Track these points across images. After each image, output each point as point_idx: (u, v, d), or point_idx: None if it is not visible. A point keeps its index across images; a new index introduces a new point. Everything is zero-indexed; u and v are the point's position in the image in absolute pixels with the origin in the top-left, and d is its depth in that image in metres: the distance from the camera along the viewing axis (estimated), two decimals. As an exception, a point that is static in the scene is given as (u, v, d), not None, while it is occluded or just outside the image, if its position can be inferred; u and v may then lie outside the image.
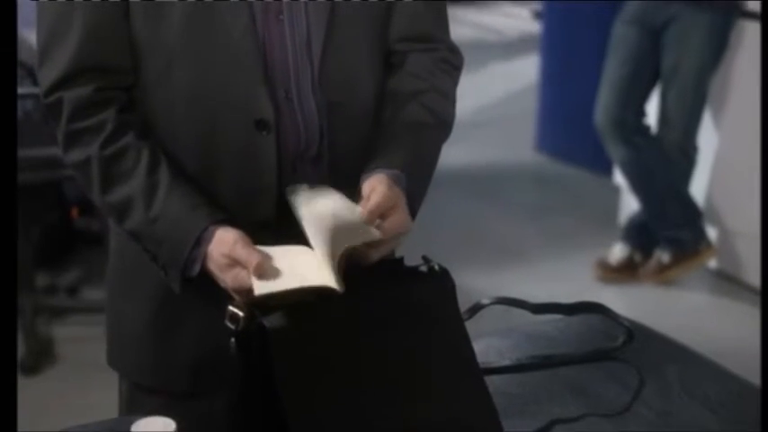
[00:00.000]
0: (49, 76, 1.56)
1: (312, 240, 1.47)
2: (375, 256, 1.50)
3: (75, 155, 1.57)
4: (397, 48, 1.71)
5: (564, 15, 5.58)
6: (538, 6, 7.70)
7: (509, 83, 7.15)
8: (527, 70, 7.09)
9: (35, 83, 2.54)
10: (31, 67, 3.27)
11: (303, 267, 1.45)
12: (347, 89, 1.65)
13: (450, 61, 1.76)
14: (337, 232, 1.45)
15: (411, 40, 1.71)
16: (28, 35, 3.33)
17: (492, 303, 1.85)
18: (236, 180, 1.61)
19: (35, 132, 3.19)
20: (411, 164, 1.61)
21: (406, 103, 1.68)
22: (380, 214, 1.49)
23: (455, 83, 1.77)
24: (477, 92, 6.77)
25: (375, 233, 1.47)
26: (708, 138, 4.14)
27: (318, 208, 1.52)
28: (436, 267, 1.52)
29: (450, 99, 1.75)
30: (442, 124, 1.72)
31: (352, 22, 1.62)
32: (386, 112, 1.68)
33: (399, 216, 1.52)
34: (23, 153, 2.58)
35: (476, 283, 3.72)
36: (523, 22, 8.48)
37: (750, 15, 4.01)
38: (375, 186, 1.52)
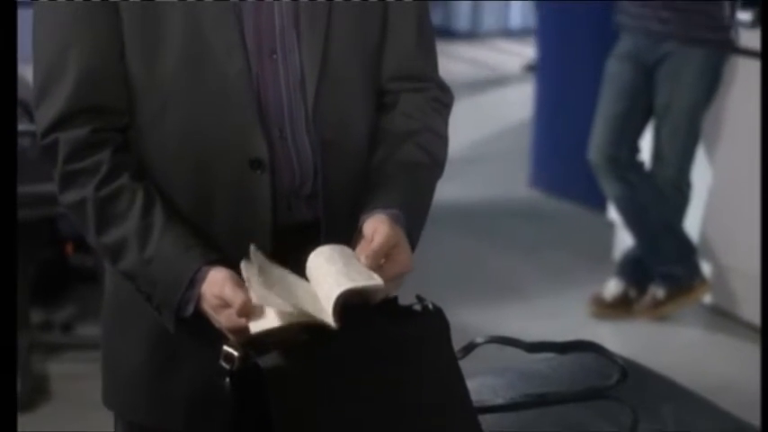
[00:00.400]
0: (45, 117, 1.57)
1: (314, 282, 1.48)
2: (379, 295, 1.50)
3: (71, 196, 1.58)
4: (389, 87, 1.73)
5: (558, 51, 5.62)
6: (531, 53, 7.75)
7: (503, 118, 7.17)
8: (521, 106, 7.13)
9: (32, 120, 2.55)
10: (27, 104, 3.28)
11: (297, 302, 1.45)
12: (341, 127, 1.66)
13: (441, 100, 1.78)
14: (340, 275, 1.45)
15: (403, 79, 1.73)
16: (25, 72, 3.35)
17: (486, 342, 1.85)
18: (231, 218, 1.62)
19: (30, 169, 3.19)
20: (409, 204, 1.62)
21: (402, 143, 1.69)
22: (384, 254, 1.50)
23: (446, 121, 1.78)
24: (471, 127, 6.79)
25: (378, 280, 1.47)
26: (701, 173, 4.16)
27: (322, 255, 1.52)
28: (430, 306, 1.52)
29: (443, 138, 1.76)
30: (436, 164, 1.73)
31: (346, 61, 1.64)
32: (380, 152, 1.69)
33: (402, 255, 1.53)
34: (19, 190, 2.58)
35: (470, 319, 3.73)
36: (519, 58, 8.52)
37: (743, 51, 4.04)
38: (377, 227, 1.53)
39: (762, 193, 3.67)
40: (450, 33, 9.34)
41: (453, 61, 8.30)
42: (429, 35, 1.76)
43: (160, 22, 1.54)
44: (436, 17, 10.04)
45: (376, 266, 1.49)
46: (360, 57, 1.66)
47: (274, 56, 1.59)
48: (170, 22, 1.54)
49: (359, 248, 1.52)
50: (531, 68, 7.41)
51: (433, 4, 10.00)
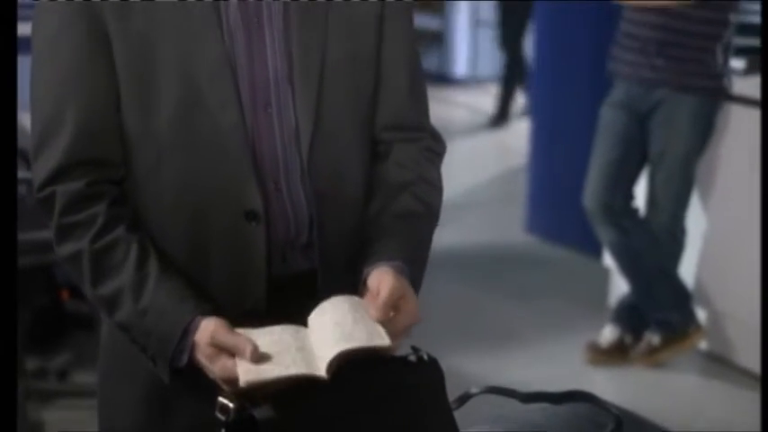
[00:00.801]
0: (42, 170, 1.58)
1: (315, 338, 1.48)
2: (386, 352, 1.50)
3: (67, 248, 1.59)
4: (382, 137, 1.74)
5: (553, 98, 5.65)
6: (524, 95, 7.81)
7: (499, 163, 7.20)
8: (517, 151, 7.16)
9: (29, 168, 2.56)
10: (25, 152, 3.29)
11: (291, 353, 1.45)
12: (336, 178, 1.67)
13: (434, 149, 1.79)
14: (347, 328, 1.46)
15: (396, 129, 1.74)
16: (24, 120, 3.36)
17: (481, 393, 1.85)
18: (226, 270, 1.63)
19: (27, 217, 3.21)
20: (410, 255, 1.63)
21: (397, 194, 1.70)
22: (392, 306, 1.51)
23: (439, 171, 1.80)
24: (467, 172, 6.82)
25: (385, 339, 1.46)
26: (696, 220, 4.17)
27: (329, 310, 1.52)
28: (425, 357, 1.53)
29: (438, 188, 1.77)
30: (431, 213, 1.74)
31: (340, 112, 1.65)
32: (377, 203, 1.70)
33: (410, 306, 1.54)
34: (15, 237, 2.59)
35: (466, 366, 3.73)
36: (516, 104, 8.56)
37: (735, 99, 4.07)
38: (382, 279, 1.54)
39: (762, 238, 3.69)
40: (446, 79, 9.39)
41: (450, 107, 8.33)
42: (421, 85, 1.78)
43: (156, 75, 1.55)
44: (433, 63, 10.10)
45: (385, 319, 1.49)
46: (354, 108, 1.67)
47: (269, 109, 1.61)
48: (165, 76, 1.55)
49: (366, 300, 1.53)
50: (527, 112, 7.47)
51: (430, 49, 10.07)
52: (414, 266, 1.63)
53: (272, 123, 1.61)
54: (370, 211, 1.70)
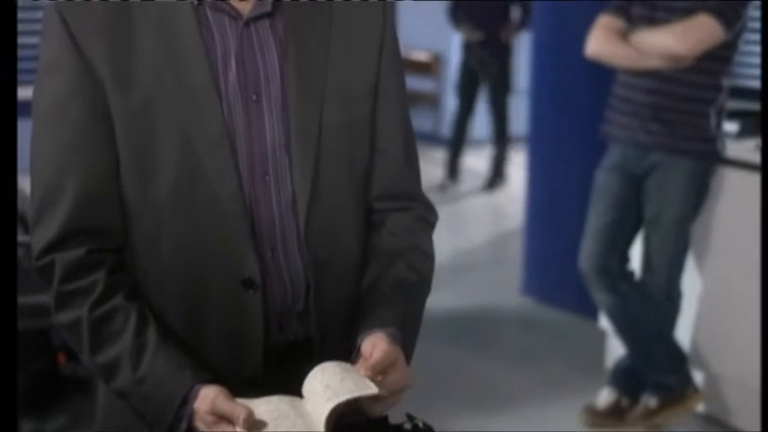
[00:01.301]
0: (42, 239, 1.59)
1: (309, 403, 1.49)
2: (377, 410, 1.52)
3: (66, 316, 1.60)
4: (377, 206, 1.76)
5: (548, 161, 5.68)
6: (523, 160, 7.84)
7: (494, 226, 7.22)
8: (512, 213, 7.18)
9: (26, 231, 2.57)
10: (23, 215, 3.31)
11: (290, 418, 1.46)
12: (332, 246, 1.69)
13: (426, 218, 1.82)
14: (333, 391, 1.47)
15: (390, 198, 1.77)
16: (23, 184, 3.38)
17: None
18: (223, 337, 1.64)
19: (24, 280, 3.21)
20: (404, 322, 1.65)
21: (392, 262, 1.72)
22: (381, 371, 1.52)
23: (431, 239, 1.82)
24: (462, 234, 6.84)
25: (373, 388, 1.48)
26: (692, 282, 4.18)
27: (318, 374, 1.53)
28: (420, 425, 1.53)
29: (430, 257, 1.80)
30: (424, 282, 1.76)
31: (336, 181, 1.67)
32: (372, 271, 1.72)
33: (401, 372, 1.55)
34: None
35: (462, 430, 3.71)
36: (512, 165, 8.59)
37: (729, 162, 4.09)
38: (376, 343, 1.55)
39: (762, 300, 3.70)
40: (439, 140, 9.44)
41: (444, 168, 8.37)
42: (414, 155, 1.81)
43: (155, 146, 1.57)
44: (427, 124, 10.16)
45: (374, 380, 1.51)
46: (349, 177, 1.70)
47: (267, 178, 1.63)
48: (165, 147, 1.57)
49: (357, 365, 1.54)
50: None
51: (424, 110, 10.14)
52: (407, 334, 1.65)
53: (269, 192, 1.63)
54: (365, 279, 1.72)
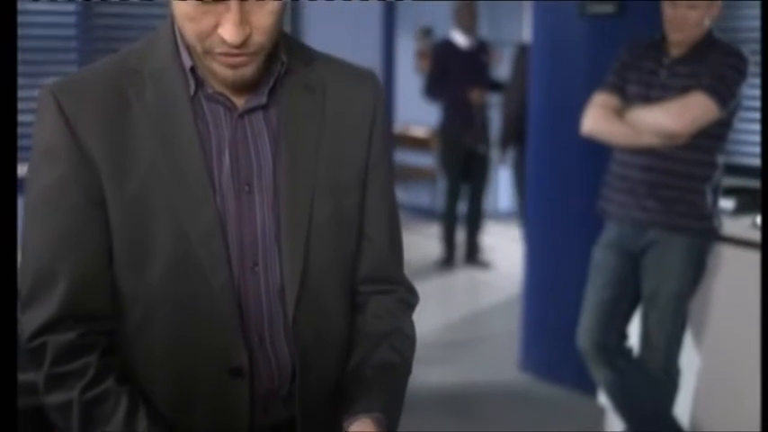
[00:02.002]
0: (34, 321, 1.59)
1: None
2: None
3: (57, 397, 1.60)
4: (361, 289, 1.79)
5: (545, 238, 5.69)
6: (519, 235, 7.86)
7: (492, 300, 7.21)
8: (509, 288, 7.18)
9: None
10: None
11: None
12: (319, 332, 1.70)
13: (408, 301, 1.85)
14: None
15: (374, 282, 1.80)
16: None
17: None
18: (210, 422, 1.65)
19: (20, 358, 3.20)
20: (388, 405, 1.67)
21: (376, 345, 1.74)
22: None
23: (412, 321, 1.85)
24: (458, 309, 6.83)
25: None
26: (690, 359, 4.17)
27: None
28: None
29: (412, 339, 1.83)
30: (407, 363, 1.79)
31: (325, 270, 1.69)
32: (357, 354, 1.75)
33: None
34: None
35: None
36: (508, 241, 8.62)
37: (726, 239, 4.11)
38: (363, 430, 1.58)
39: (762, 378, 3.69)
40: (436, 215, 9.47)
41: (440, 242, 8.39)
42: (398, 239, 1.84)
43: (149, 235, 1.58)
44: (423, 199, 10.20)
45: None
46: (338, 265, 1.72)
47: (256, 268, 1.64)
48: (159, 235, 1.58)
49: None
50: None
51: (422, 186, 10.19)
52: (391, 416, 1.67)
53: (258, 282, 1.64)
54: (350, 361, 1.74)
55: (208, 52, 1.53)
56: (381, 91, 1.79)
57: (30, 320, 1.59)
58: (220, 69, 1.55)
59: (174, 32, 1.62)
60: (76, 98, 1.58)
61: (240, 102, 1.63)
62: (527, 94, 6.29)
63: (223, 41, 1.50)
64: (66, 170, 1.57)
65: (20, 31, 4.38)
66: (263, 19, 1.51)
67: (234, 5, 1.47)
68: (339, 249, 1.71)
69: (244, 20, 1.48)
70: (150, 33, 1.67)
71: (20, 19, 4.47)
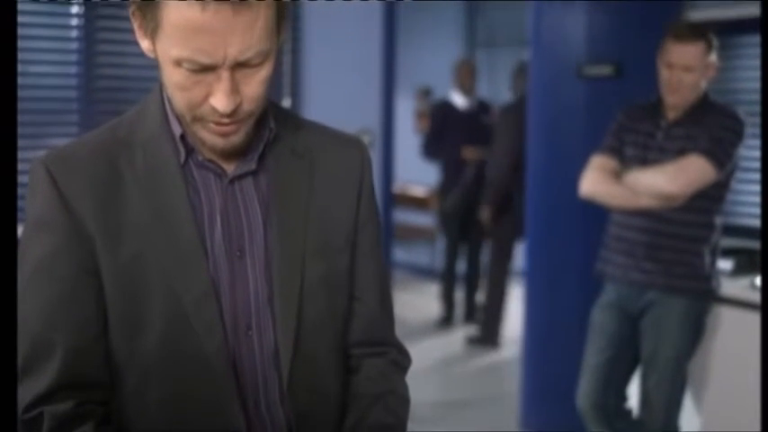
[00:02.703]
0: (30, 392, 1.59)
1: None
2: None
3: None
4: (353, 352, 1.80)
5: (545, 299, 5.69)
6: (518, 293, 7.85)
7: (492, 359, 7.19)
8: (509, 347, 7.17)
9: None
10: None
11: None
12: (314, 395, 1.71)
13: (401, 363, 1.86)
14: None
15: (366, 344, 1.81)
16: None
17: None
18: None
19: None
20: None
21: (370, 407, 1.75)
22: None
23: (405, 383, 1.85)
24: (460, 368, 6.81)
25: None
26: (689, 420, 4.16)
27: None
28: None
29: (406, 400, 1.83)
30: (402, 424, 1.79)
31: (318, 335, 1.70)
32: (351, 416, 1.75)
33: None
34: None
35: None
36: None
37: (725, 301, 4.11)
38: None
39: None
40: (435, 274, 9.46)
41: (439, 301, 8.38)
42: (389, 301, 1.85)
43: (143, 301, 1.59)
44: (422, 258, 10.20)
45: None
46: (330, 328, 1.73)
47: (250, 332, 1.65)
48: (152, 302, 1.59)
49: None
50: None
51: (421, 245, 10.19)
52: None
53: (252, 346, 1.65)
54: (345, 423, 1.75)
55: (198, 120, 1.55)
56: (367, 156, 1.81)
57: (25, 391, 1.59)
58: (210, 138, 1.57)
59: (162, 101, 1.64)
60: (68, 170, 1.59)
61: (230, 168, 1.65)
62: (516, 154, 6.37)
63: (214, 110, 1.52)
64: (60, 241, 1.58)
65: (23, 93, 4.42)
66: (253, 88, 1.53)
67: (225, 75, 1.49)
68: (331, 311, 1.72)
69: (234, 89, 1.51)
70: (139, 103, 1.70)
71: (23, 80, 4.51)
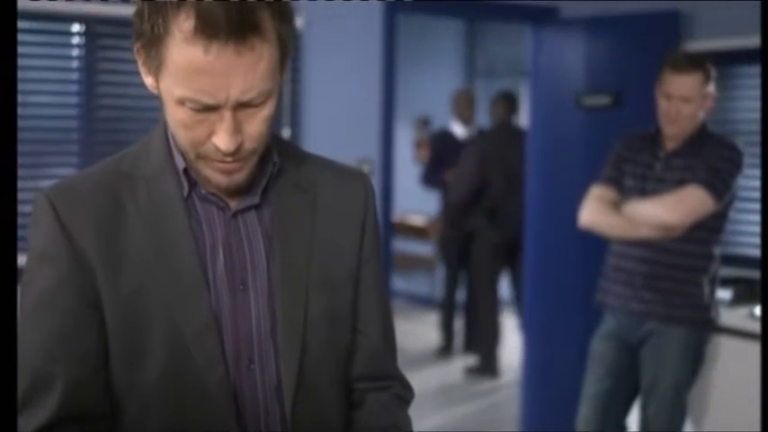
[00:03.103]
0: (30, 424, 1.58)
1: None
2: None
3: None
4: (356, 386, 1.80)
5: (544, 324, 5.69)
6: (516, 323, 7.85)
7: (491, 388, 7.18)
8: (509, 376, 7.15)
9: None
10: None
11: None
12: (317, 428, 1.70)
13: (404, 396, 1.86)
14: None
15: (370, 379, 1.81)
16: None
17: None
18: None
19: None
20: None
21: None
22: None
23: (408, 417, 1.85)
24: (459, 397, 6.79)
25: None
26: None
27: None
28: None
29: None
30: None
31: (320, 368, 1.70)
32: None
33: None
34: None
35: None
36: (505, 329, 8.60)
37: (724, 330, 4.11)
38: None
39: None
40: (435, 303, 9.47)
41: (438, 330, 8.37)
42: (391, 335, 1.85)
43: (144, 334, 1.59)
44: (422, 287, 10.20)
45: None
46: (333, 362, 1.73)
47: (252, 365, 1.65)
48: (154, 334, 1.59)
49: None
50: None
51: (421, 274, 10.19)
52: None
53: (254, 379, 1.65)
54: None
55: (202, 158, 1.56)
56: (371, 190, 1.82)
57: (27, 423, 1.58)
58: (214, 175, 1.58)
59: (166, 136, 1.65)
60: (71, 202, 1.60)
61: (233, 202, 1.66)
62: (474, 183, 6.45)
63: (217, 149, 1.53)
64: (62, 273, 1.58)
65: (23, 123, 4.43)
66: (256, 127, 1.54)
67: (227, 115, 1.50)
68: (334, 345, 1.72)
69: (236, 128, 1.52)
70: (143, 138, 1.71)
71: (23, 110, 4.53)
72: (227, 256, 1.64)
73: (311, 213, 1.71)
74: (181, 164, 1.63)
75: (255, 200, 1.67)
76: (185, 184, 1.63)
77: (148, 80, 1.56)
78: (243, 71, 1.46)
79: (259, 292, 1.65)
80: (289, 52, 1.56)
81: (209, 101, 1.47)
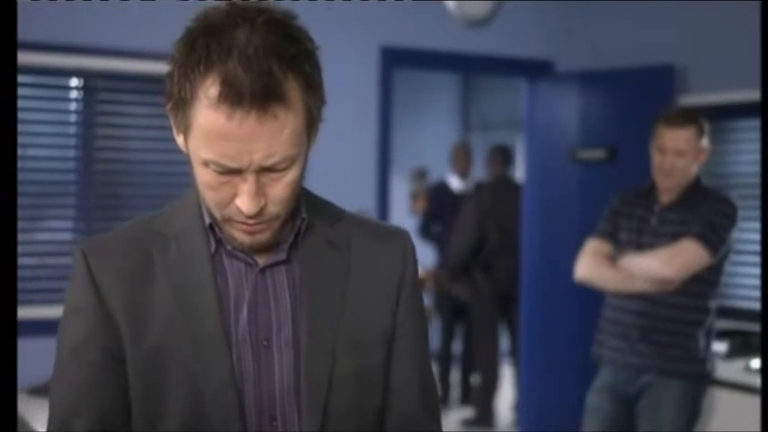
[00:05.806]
0: None
1: None
2: None
3: None
4: None
5: (540, 378, 5.69)
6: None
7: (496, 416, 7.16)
8: (505, 428, 7.13)
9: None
10: None
11: None
12: None
13: None
14: None
15: None
16: (22, 408, 3.37)
17: None
18: None
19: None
20: None
21: None
22: None
23: None
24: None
25: None
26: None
27: None
28: None
29: None
30: None
31: (346, 423, 1.66)
32: None
33: None
34: None
35: None
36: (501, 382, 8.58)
37: (720, 383, 4.11)
38: None
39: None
40: (432, 355, 9.44)
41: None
42: (432, 399, 1.79)
43: (164, 389, 1.59)
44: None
45: None
46: (358, 422, 1.68)
47: (274, 422, 1.63)
48: (173, 391, 1.59)
49: None
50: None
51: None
52: None
53: None
54: None
55: (227, 220, 1.58)
56: (411, 248, 1.80)
57: None
58: (239, 236, 1.59)
59: (198, 194, 1.66)
60: (103, 259, 1.63)
61: (261, 258, 1.66)
62: (474, 236, 6.46)
63: (240, 211, 1.54)
64: (90, 327, 1.60)
65: (22, 176, 4.45)
66: (279, 191, 1.55)
67: (250, 178, 1.51)
68: (361, 405, 1.69)
69: (259, 191, 1.53)
70: (180, 197, 1.72)
71: (22, 164, 4.55)
72: (252, 313, 1.63)
73: (345, 272, 1.70)
74: (207, 220, 1.64)
75: (282, 256, 1.66)
76: (212, 240, 1.64)
77: (179, 140, 1.58)
78: (266, 138, 1.47)
79: (283, 348, 1.64)
80: (316, 120, 1.57)
81: (232, 164, 1.49)
